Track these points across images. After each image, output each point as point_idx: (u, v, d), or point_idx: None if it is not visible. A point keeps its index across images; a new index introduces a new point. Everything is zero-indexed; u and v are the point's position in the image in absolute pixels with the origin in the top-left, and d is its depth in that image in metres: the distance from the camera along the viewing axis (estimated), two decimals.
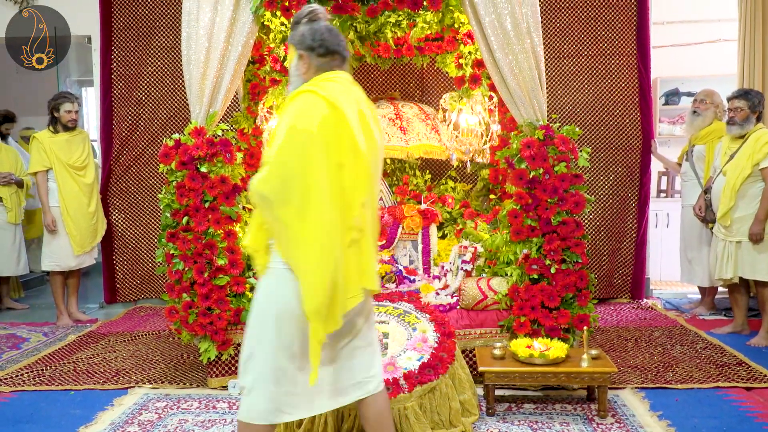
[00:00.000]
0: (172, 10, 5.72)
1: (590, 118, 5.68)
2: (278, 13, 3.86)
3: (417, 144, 4.44)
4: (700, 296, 5.57)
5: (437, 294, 3.93)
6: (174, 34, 5.73)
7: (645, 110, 5.62)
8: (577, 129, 3.71)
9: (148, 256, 5.90)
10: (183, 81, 3.78)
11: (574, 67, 5.65)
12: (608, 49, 5.62)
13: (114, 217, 5.89)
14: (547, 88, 3.82)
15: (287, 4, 3.68)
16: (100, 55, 5.80)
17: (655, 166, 5.93)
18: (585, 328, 3.40)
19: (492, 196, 4.60)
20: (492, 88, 4.15)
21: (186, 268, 3.62)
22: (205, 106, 3.70)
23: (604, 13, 5.60)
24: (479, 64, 4.30)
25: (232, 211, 3.67)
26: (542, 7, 4.06)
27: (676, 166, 5.57)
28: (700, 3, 6.35)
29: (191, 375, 4.02)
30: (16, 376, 4.06)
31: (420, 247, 4.47)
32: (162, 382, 3.89)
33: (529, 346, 3.33)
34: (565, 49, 5.63)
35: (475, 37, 3.71)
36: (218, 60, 3.65)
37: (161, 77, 5.82)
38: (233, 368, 3.76)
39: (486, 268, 3.92)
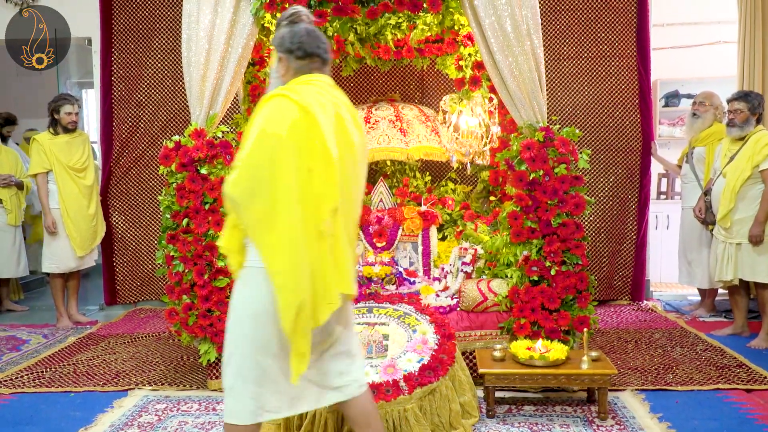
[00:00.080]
0: (173, 12, 5.72)
1: (590, 120, 5.68)
2: (278, 15, 3.86)
3: (417, 146, 4.45)
4: (700, 298, 5.57)
5: (437, 296, 3.93)
6: (174, 36, 5.73)
7: (645, 112, 5.62)
8: (577, 131, 3.72)
9: (148, 257, 5.90)
10: (183, 83, 3.78)
11: (574, 69, 5.65)
12: (608, 51, 5.63)
13: (114, 218, 5.89)
14: (547, 90, 3.83)
15: (287, 6, 3.68)
16: (101, 57, 5.81)
17: (655, 168, 5.93)
18: (585, 329, 3.39)
19: (492, 198, 4.60)
20: (492, 89, 4.16)
21: (186, 270, 3.62)
22: (205, 108, 3.70)
23: (604, 15, 5.61)
24: (479, 66, 4.31)
25: None
26: (542, 9, 4.07)
27: (676, 168, 5.58)
28: (699, 5, 6.35)
29: (191, 377, 4.02)
30: (16, 377, 4.06)
31: (420, 248, 4.47)
32: (162, 384, 3.89)
33: (529, 348, 3.33)
34: (565, 51, 5.63)
35: (475, 39, 3.72)
36: (218, 62, 3.65)
37: (161, 79, 5.83)
38: None
39: (486, 269, 3.92)
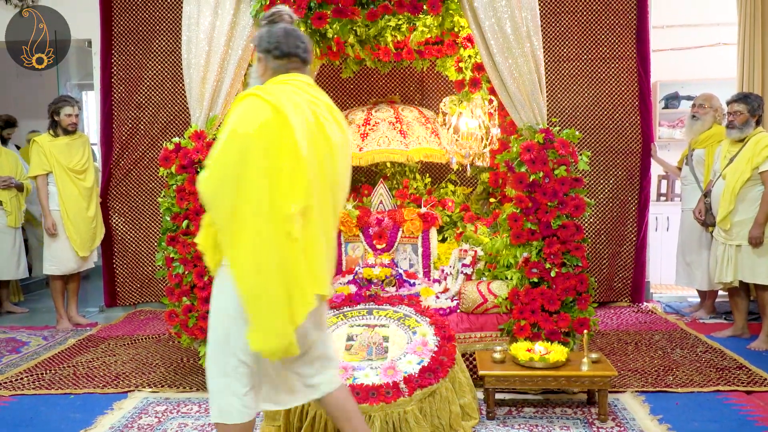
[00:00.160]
0: (173, 14, 5.73)
1: (590, 122, 5.68)
2: None
3: (417, 147, 4.45)
4: (699, 300, 5.57)
5: (437, 297, 3.93)
6: (174, 38, 5.74)
7: (645, 114, 5.62)
8: (577, 132, 3.72)
9: (148, 259, 5.90)
10: (183, 85, 3.78)
11: (574, 71, 5.65)
12: (608, 53, 5.63)
13: (114, 220, 5.89)
14: (547, 92, 3.83)
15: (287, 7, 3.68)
16: (101, 58, 5.81)
17: (655, 170, 5.93)
18: (585, 331, 3.39)
19: (492, 200, 4.61)
20: (492, 91, 4.16)
21: (186, 272, 3.62)
22: (205, 110, 3.71)
23: (604, 17, 5.61)
24: (479, 67, 4.31)
25: None
26: (542, 11, 4.07)
27: (676, 170, 5.58)
28: (699, 7, 6.36)
29: (191, 379, 4.01)
30: (16, 380, 4.05)
31: (420, 250, 4.47)
32: (162, 386, 3.88)
33: (529, 350, 3.33)
34: (565, 52, 5.64)
35: (475, 41, 3.72)
36: (218, 64, 3.66)
37: (161, 81, 5.83)
38: None
39: (486, 271, 3.92)
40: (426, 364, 3.12)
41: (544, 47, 3.80)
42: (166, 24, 5.79)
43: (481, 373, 3.28)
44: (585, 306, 3.59)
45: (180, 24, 3.76)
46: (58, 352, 4.64)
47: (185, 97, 3.80)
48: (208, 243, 2.22)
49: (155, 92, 5.83)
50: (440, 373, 3.08)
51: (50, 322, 5.58)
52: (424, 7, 3.65)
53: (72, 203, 5.25)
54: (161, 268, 3.76)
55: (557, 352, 3.31)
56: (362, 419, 2.46)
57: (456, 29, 4.27)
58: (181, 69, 3.77)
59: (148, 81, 5.83)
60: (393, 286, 4.08)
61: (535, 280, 3.59)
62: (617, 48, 5.62)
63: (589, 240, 5.15)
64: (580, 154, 3.71)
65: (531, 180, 3.59)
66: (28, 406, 3.63)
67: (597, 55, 5.64)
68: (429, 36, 4.32)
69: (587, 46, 5.64)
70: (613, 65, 5.64)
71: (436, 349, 3.23)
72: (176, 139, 3.71)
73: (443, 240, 4.57)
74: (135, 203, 5.90)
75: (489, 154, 4.40)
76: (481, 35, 3.63)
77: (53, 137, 5.23)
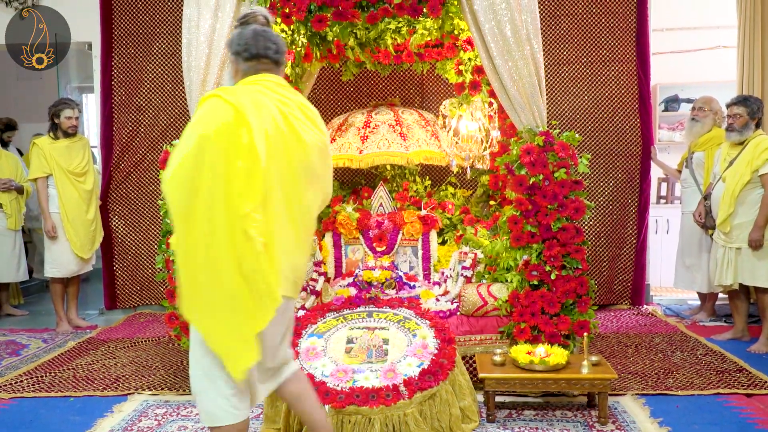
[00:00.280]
0: (173, 17, 5.74)
1: (590, 125, 5.69)
2: (278, 20, 3.87)
3: (417, 150, 4.45)
4: (700, 302, 5.57)
5: (437, 300, 3.93)
6: (174, 41, 5.74)
7: (645, 117, 5.63)
8: (577, 135, 3.73)
9: (148, 262, 5.90)
10: (183, 87, 3.78)
11: (574, 74, 5.66)
12: (608, 56, 5.64)
13: (114, 223, 5.90)
14: (546, 95, 3.83)
15: (287, 10, 3.69)
16: (101, 61, 5.82)
17: (655, 173, 5.93)
18: (585, 334, 3.39)
19: (492, 203, 4.61)
20: (492, 94, 4.16)
21: None
22: None
23: (603, 20, 5.62)
24: (479, 70, 4.31)
25: None
26: (542, 14, 4.07)
27: (676, 173, 5.58)
28: (699, 10, 6.36)
29: None
30: (16, 382, 4.05)
31: (420, 253, 4.47)
32: (162, 389, 3.88)
33: (529, 353, 3.33)
34: (564, 55, 5.64)
35: (475, 44, 3.73)
36: (219, 66, 3.66)
37: (162, 83, 5.84)
38: None
39: (486, 274, 3.92)
40: (426, 367, 3.11)
41: (544, 50, 3.81)
42: (167, 27, 5.79)
43: (481, 375, 3.28)
44: (585, 309, 3.59)
45: (180, 27, 3.76)
46: (58, 355, 4.64)
47: (185, 99, 3.81)
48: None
49: (155, 95, 5.83)
50: (440, 376, 3.08)
51: (50, 325, 5.58)
52: (424, 9, 3.66)
53: (72, 206, 5.25)
54: (161, 270, 3.76)
55: (557, 354, 3.30)
56: (316, 398, 2.51)
57: (456, 32, 4.28)
58: (182, 72, 3.77)
59: (148, 84, 5.84)
60: (393, 289, 4.08)
61: (535, 282, 3.59)
62: (617, 51, 5.63)
63: (589, 243, 5.16)
64: (580, 157, 3.71)
65: (531, 183, 3.59)
66: (28, 409, 3.63)
67: (597, 58, 5.65)
68: (429, 39, 4.32)
69: (587, 49, 5.65)
70: (612, 68, 5.65)
71: (436, 351, 3.22)
72: (176, 142, 3.70)
73: (443, 242, 4.57)
74: (135, 206, 5.90)
75: (489, 157, 4.40)
76: (481, 38, 3.64)
77: (53, 140, 5.23)
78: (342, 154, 4.48)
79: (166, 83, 5.82)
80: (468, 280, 3.90)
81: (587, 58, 5.65)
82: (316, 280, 3.94)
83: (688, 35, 6.37)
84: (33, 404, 3.70)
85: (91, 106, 8.31)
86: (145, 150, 5.84)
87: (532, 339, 3.55)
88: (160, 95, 5.83)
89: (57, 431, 3.33)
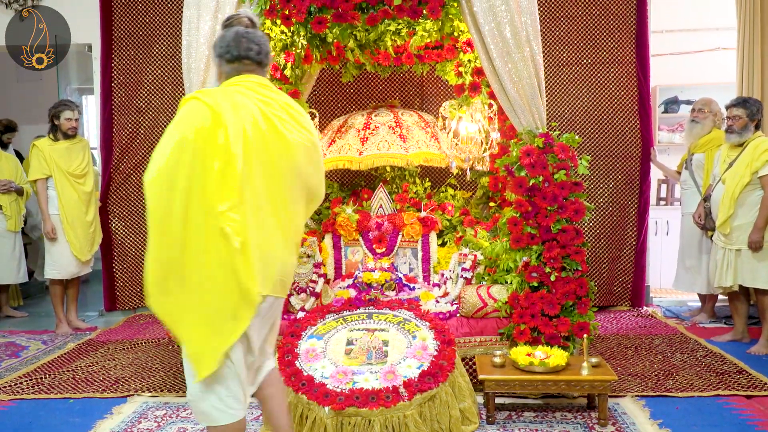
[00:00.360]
0: (173, 19, 5.74)
1: (590, 126, 5.69)
2: (278, 22, 3.88)
3: (417, 152, 4.45)
4: (699, 304, 5.57)
5: (437, 302, 3.93)
6: (174, 43, 5.75)
7: (644, 118, 5.63)
8: (577, 137, 3.73)
9: None
10: (183, 89, 3.79)
11: (574, 76, 5.66)
12: (608, 58, 5.64)
13: (114, 224, 5.89)
14: (546, 97, 3.84)
15: (287, 12, 3.69)
16: (101, 63, 5.82)
17: (655, 174, 5.94)
18: (585, 336, 3.39)
19: (492, 204, 4.61)
20: (491, 96, 4.17)
21: None
22: None
23: (603, 22, 5.62)
24: (479, 72, 4.32)
25: None
26: (542, 16, 4.07)
27: (676, 175, 5.58)
28: (699, 12, 6.37)
29: None
30: (15, 384, 4.05)
31: (420, 254, 4.47)
32: (161, 390, 3.88)
33: (529, 354, 3.33)
34: (564, 57, 5.65)
35: (475, 46, 3.73)
36: None
37: (161, 85, 5.84)
38: None
39: (486, 275, 3.92)
40: (426, 369, 3.11)
41: (543, 52, 3.81)
42: (167, 28, 5.80)
43: (480, 377, 3.28)
44: (585, 310, 3.59)
45: (180, 28, 3.76)
46: (58, 357, 4.64)
47: None
48: None
49: (155, 96, 5.83)
50: (440, 378, 3.08)
51: (50, 327, 5.57)
52: (424, 11, 3.66)
53: (71, 207, 5.24)
54: None
55: (557, 356, 3.30)
56: (286, 403, 2.53)
57: (456, 34, 4.28)
58: (182, 73, 3.77)
59: (148, 85, 5.84)
60: (393, 290, 4.08)
61: (535, 284, 3.59)
62: (617, 52, 5.63)
63: (589, 244, 5.16)
64: (580, 159, 3.71)
65: (531, 184, 3.59)
66: (28, 411, 3.62)
67: (596, 60, 5.65)
68: (429, 40, 4.32)
69: (587, 51, 5.65)
70: (612, 70, 5.65)
71: (435, 353, 3.22)
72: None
73: (443, 244, 4.57)
74: (135, 207, 5.90)
75: (489, 159, 4.40)
76: (481, 40, 3.64)
77: (53, 141, 5.23)
78: (342, 156, 4.48)
79: (166, 85, 5.82)
80: (468, 281, 3.90)
81: (587, 60, 5.66)
82: (315, 282, 3.94)
83: (687, 37, 6.38)
84: (32, 406, 3.70)
85: (91, 108, 8.31)
86: (144, 152, 5.83)
87: (531, 340, 3.55)
88: (160, 97, 5.83)
89: None
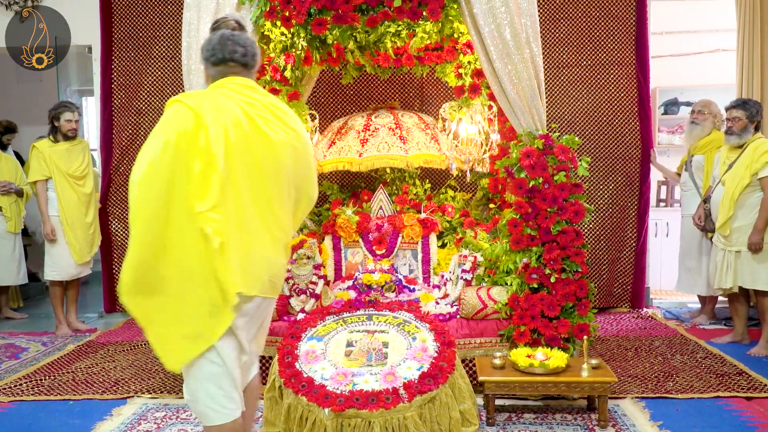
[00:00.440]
0: (173, 20, 5.75)
1: (589, 128, 5.69)
2: (278, 23, 3.88)
3: (417, 153, 4.45)
4: (699, 305, 5.57)
5: (437, 303, 3.93)
6: (174, 44, 5.75)
7: (644, 120, 5.63)
8: (577, 138, 3.73)
9: None
10: (183, 91, 3.78)
11: (574, 77, 5.67)
12: (607, 59, 5.65)
13: (114, 226, 5.90)
14: (546, 98, 3.84)
15: (287, 14, 3.69)
16: (101, 64, 5.82)
17: (655, 176, 5.94)
18: (585, 337, 3.39)
19: (492, 206, 4.61)
20: (491, 97, 4.17)
21: None
22: None
23: (603, 24, 5.63)
24: (479, 73, 4.32)
25: None
26: (541, 18, 4.08)
27: (676, 176, 5.58)
28: (698, 13, 6.38)
29: None
30: (15, 386, 4.04)
31: (420, 256, 4.47)
32: (161, 392, 3.88)
33: (529, 356, 3.33)
34: (564, 59, 5.65)
35: (475, 47, 3.73)
36: None
37: (161, 87, 5.84)
38: None
39: (486, 277, 3.92)
40: (426, 370, 3.11)
41: (543, 53, 3.81)
42: (167, 30, 5.80)
43: (480, 379, 3.28)
44: (585, 312, 3.59)
45: (180, 30, 3.77)
46: (58, 358, 4.63)
47: None
48: None
49: (155, 98, 5.84)
50: (440, 379, 3.07)
51: (49, 328, 5.57)
52: (424, 13, 3.66)
53: (71, 209, 5.24)
54: None
55: (557, 358, 3.30)
56: (255, 410, 2.58)
57: (455, 35, 4.28)
58: (182, 75, 3.77)
59: (148, 87, 5.84)
60: (393, 292, 4.08)
61: (535, 285, 3.59)
62: (616, 54, 5.64)
63: (589, 246, 5.15)
64: (580, 160, 3.71)
65: (530, 186, 3.59)
66: (27, 413, 3.62)
67: (596, 61, 5.65)
68: (429, 42, 4.33)
69: (587, 52, 5.65)
70: (612, 71, 5.65)
71: (435, 354, 3.22)
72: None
73: (443, 246, 4.57)
74: None
75: (489, 160, 4.40)
76: (481, 41, 3.64)
77: (53, 143, 5.23)
78: (342, 157, 4.49)
79: (166, 86, 5.83)
80: (468, 283, 3.90)
81: (587, 62, 5.66)
82: (315, 283, 3.94)
83: (687, 38, 6.39)
84: (32, 408, 3.70)
85: (91, 109, 8.31)
86: None
87: (531, 342, 3.55)
88: (159, 98, 5.83)
89: None
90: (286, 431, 3.03)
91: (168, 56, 5.80)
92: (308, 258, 3.97)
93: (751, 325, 4.90)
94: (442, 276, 4.20)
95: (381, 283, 4.08)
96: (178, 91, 5.68)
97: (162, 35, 5.81)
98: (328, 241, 4.51)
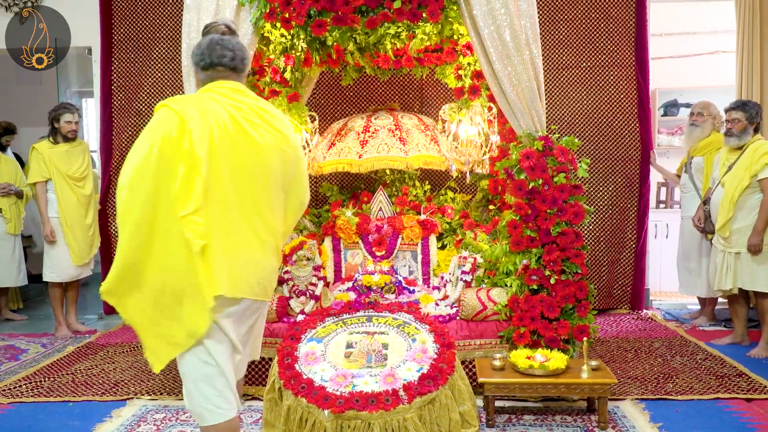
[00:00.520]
0: (173, 22, 5.75)
1: (589, 129, 5.69)
2: (278, 25, 3.88)
3: (416, 155, 4.45)
4: (699, 307, 5.57)
5: (437, 305, 3.93)
6: (174, 46, 5.75)
7: (644, 121, 5.64)
8: (576, 140, 3.73)
9: None
10: (183, 92, 3.79)
11: (573, 79, 5.67)
12: (607, 61, 5.65)
13: (113, 228, 5.89)
14: (546, 100, 3.84)
15: (287, 15, 3.69)
16: (101, 66, 5.83)
17: (655, 177, 5.94)
18: (585, 339, 3.39)
19: (491, 207, 4.61)
20: (491, 99, 4.17)
21: None
22: None
23: (602, 25, 5.63)
24: (478, 75, 4.32)
25: None
26: (541, 19, 4.08)
27: (675, 178, 5.59)
28: (698, 15, 6.38)
29: None
30: (15, 387, 4.04)
31: (419, 257, 4.47)
32: (161, 394, 3.87)
33: (529, 357, 3.33)
34: (564, 60, 5.65)
35: (475, 49, 3.73)
36: None
37: (161, 88, 5.84)
38: None
39: (485, 278, 3.92)
40: (425, 372, 3.11)
41: (543, 55, 3.81)
42: (166, 32, 5.80)
43: (480, 380, 3.28)
44: (584, 313, 3.58)
45: (180, 32, 3.77)
46: (57, 360, 4.63)
47: None
48: None
49: (155, 100, 5.83)
50: (440, 381, 3.07)
51: (49, 330, 5.57)
52: (424, 14, 3.66)
53: (70, 211, 5.24)
54: None
55: (557, 359, 3.30)
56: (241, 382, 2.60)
57: (455, 37, 4.28)
58: (181, 77, 3.78)
59: (148, 88, 5.84)
60: (392, 294, 4.08)
61: (535, 287, 3.59)
62: (616, 56, 5.64)
63: (589, 247, 5.14)
64: (580, 162, 3.71)
65: (530, 187, 3.59)
66: (27, 414, 3.62)
67: (596, 63, 5.66)
68: (428, 44, 4.33)
69: (586, 54, 5.66)
70: (612, 73, 5.66)
71: (435, 356, 3.22)
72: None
73: (443, 247, 4.57)
74: None
75: (488, 162, 4.41)
76: (481, 43, 3.64)
77: (53, 144, 5.23)
78: (341, 159, 4.49)
79: (166, 88, 5.83)
80: (467, 284, 3.90)
81: (586, 63, 5.66)
82: (315, 285, 3.94)
83: (687, 40, 6.39)
84: (32, 409, 3.70)
85: (91, 111, 8.31)
86: None
87: (531, 344, 3.55)
88: (159, 100, 5.69)
89: None
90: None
91: (168, 58, 5.81)
92: (308, 259, 3.96)
93: (751, 327, 4.90)
94: (442, 277, 4.20)
95: (381, 284, 4.08)
96: (178, 92, 5.69)
97: (162, 37, 5.81)
98: (327, 243, 4.51)
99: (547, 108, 3.98)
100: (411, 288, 4.22)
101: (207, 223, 2.11)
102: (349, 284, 4.19)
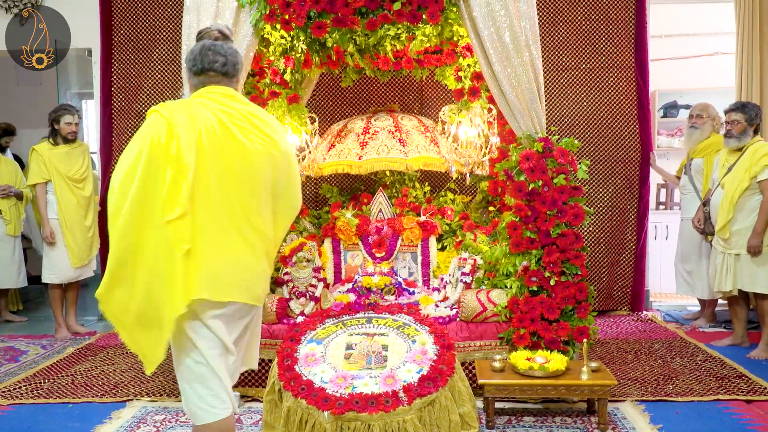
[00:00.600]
0: (173, 24, 5.75)
1: (589, 131, 5.70)
2: (278, 26, 3.88)
3: (416, 156, 4.46)
4: (699, 308, 5.57)
5: (437, 306, 3.93)
6: (174, 47, 5.76)
7: (643, 123, 5.64)
8: (576, 141, 3.73)
9: None
10: (183, 94, 3.79)
11: (573, 80, 5.67)
12: (607, 62, 5.65)
13: None
14: (546, 101, 3.84)
15: (287, 17, 3.69)
16: (101, 67, 5.83)
17: (654, 179, 5.95)
18: (585, 340, 3.39)
19: (491, 208, 4.61)
20: (491, 100, 4.17)
21: None
22: None
23: (602, 27, 5.64)
24: (478, 76, 4.32)
25: None
26: (541, 21, 4.08)
27: (675, 179, 5.59)
28: (698, 16, 6.39)
29: None
30: (14, 389, 4.04)
31: (419, 259, 4.47)
32: (161, 395, 3.87)
33: (528, 359, 3.33)
34: (563, 62, 5.66)
35: (474, 50, 3.73)
36: None
37: (161, 90, 5.85)
38: None
39: (485, 280, 3.92)
40: (425, 373, 3.11)
41: (543, 56, 3.82)
42: (166, 33, 5.81)
43: (480, 382, 3.28)
44: (584, 315, 3.59)
45: (180, 33, 3.77)
46: (57, 361, 4.63)
47: None
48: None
49: (155, 101, 5.83)
50: (439, 382, 3.07)
51: (49, 331, 5.57)
52: (424, 16, 3.66)
53: (70, 212, 5.24)
54: None
55: (557, 360, 3.30)
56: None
57: (455, 38, 4.28)
58: (181, 78, 3.78)
59: (147, 90, 5.85)
60: (392, 295, 4.08)
61: (535, 288, 3.59)
62: (616, 57, 5.65)
63: (589, 249, 5.16)
64: (579, 163, 3.71)
65: (530, 189, 3.60)
66: (27, 416, 3.62)
67: (596, 65, 5.66)
68: (428, 45, 4.33)
69: (586, 56, 5.66)
70: (611, 74, 5.66)
71: (435, 357, 3.22)
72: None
73: (442, 248, 4.57)
74: None
75: (488, 163, 4.41)
76: (480, 44, 3.65)
77: (53, 146, 5.23)
78: (341, 160, 4.49)
79: (166, 89, 5.83)
80: (467, 286, 3.90)
81: (586, 65, 5.67)
82: (315, 286, 3.94)
83: (686, 42, 6.40)
84: (31, 411, 3.69)
85: (91, 112, 8.31)
86: None
87: (531, 345, 3.55)
88: (159, 101, 5.74)
89: None
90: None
91: (168, 59, 5.81)
92: (308, 261, 3.97)
93: (751, 328, 4.90)
94: (442, 279, 4.20)
95: (380, 286, 4.08)
96: (178, 94, 5.69)
97: (162, 38, 5.82)
98: (327, 244, 4.51)
99: (546, 109, 3.98)
100: (411, 289, 4.22)
101: (194, 227, 2.13)
102: (349, 286, 4.19)
